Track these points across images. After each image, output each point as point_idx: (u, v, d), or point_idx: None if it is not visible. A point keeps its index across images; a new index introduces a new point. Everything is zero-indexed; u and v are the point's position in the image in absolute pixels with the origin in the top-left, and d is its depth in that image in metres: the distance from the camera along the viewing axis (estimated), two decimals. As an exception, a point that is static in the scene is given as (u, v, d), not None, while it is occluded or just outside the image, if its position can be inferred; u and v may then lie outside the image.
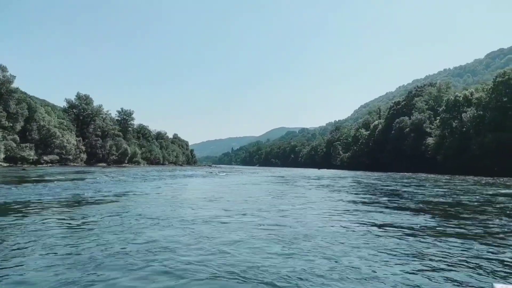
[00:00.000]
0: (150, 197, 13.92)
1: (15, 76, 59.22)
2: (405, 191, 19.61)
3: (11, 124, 57.23)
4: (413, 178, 40.77)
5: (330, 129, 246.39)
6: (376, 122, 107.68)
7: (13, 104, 58.45)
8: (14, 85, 59.77)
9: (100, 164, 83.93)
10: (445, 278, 4.47)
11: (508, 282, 3.80)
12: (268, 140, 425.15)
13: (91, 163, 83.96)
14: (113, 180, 24.26)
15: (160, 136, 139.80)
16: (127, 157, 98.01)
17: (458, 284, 4.27)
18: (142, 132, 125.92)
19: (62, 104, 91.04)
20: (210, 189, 20.26)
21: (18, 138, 58.26)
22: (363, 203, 13.12)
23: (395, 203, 13.49)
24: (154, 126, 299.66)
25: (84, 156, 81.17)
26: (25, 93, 66.20)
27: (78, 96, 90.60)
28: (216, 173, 46.98)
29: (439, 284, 4.24)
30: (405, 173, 58.65)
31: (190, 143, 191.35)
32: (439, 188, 22.32)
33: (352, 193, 18.12)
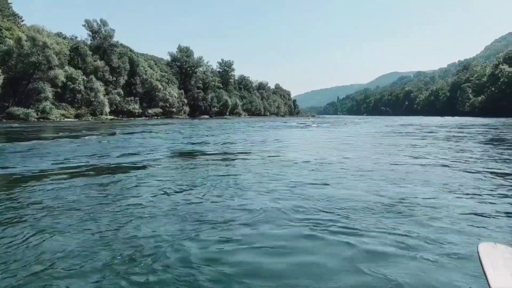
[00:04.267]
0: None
1: (114, 30, 59.44)
2: None
3: (115, 78, 58.21)
4: None
5: (453, 71, 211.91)
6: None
7: (115, 58, 59.12)
8: (115, 39, 60.14)
9: (203, 117, 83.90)
10: None
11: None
12: (377, 87, 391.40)
13: (194, 115, 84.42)
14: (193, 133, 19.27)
15: (261, 86, 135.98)
16: (228, 109, 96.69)
17: None
18: (244, 83, 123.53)
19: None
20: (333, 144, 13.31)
21: (122, 92, 59.38)
22: None
23: None
24: (256, 77, 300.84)
25: (187, 108, 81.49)
26: (127, 47, 66.88)
27: (180, 49, 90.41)
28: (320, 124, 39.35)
29: None
30: None
31: (294, 94, 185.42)
32: None
33: None
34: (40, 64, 40.31)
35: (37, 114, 39.83)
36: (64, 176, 6.30)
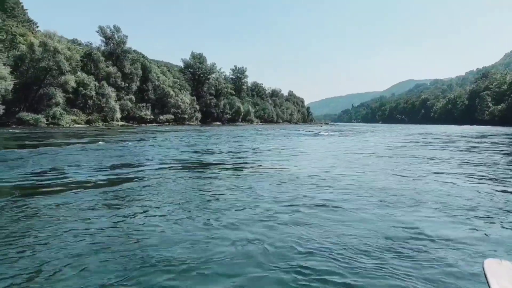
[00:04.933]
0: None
1: (127, 36, 59.54)
2: None
3: (127, 85, 58.19)
4: None
5: (471, 79, 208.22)
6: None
7: (128, 65, 59.16)
8: (128, 45, 60.34)
9: (215, 123, 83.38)
10: None
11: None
12: (393, 95, 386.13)
13: (206, 122, 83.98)
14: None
15: (274, 94, 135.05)
16: (241, 116, 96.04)
17: None
18: (256, 90, 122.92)
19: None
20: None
21: (134, 98, 59.27)
22: None
23: None
24: (269, 84, 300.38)
25: (199, 115, 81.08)
26: (140, 53, 67.08)
27: (193, 55, 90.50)
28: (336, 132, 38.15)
29: None
30: None
31: (308, 101, 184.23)
32: None
33: None
34: (51, 69, 40.36)
35: (47, 120, 39.76)
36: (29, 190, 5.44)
